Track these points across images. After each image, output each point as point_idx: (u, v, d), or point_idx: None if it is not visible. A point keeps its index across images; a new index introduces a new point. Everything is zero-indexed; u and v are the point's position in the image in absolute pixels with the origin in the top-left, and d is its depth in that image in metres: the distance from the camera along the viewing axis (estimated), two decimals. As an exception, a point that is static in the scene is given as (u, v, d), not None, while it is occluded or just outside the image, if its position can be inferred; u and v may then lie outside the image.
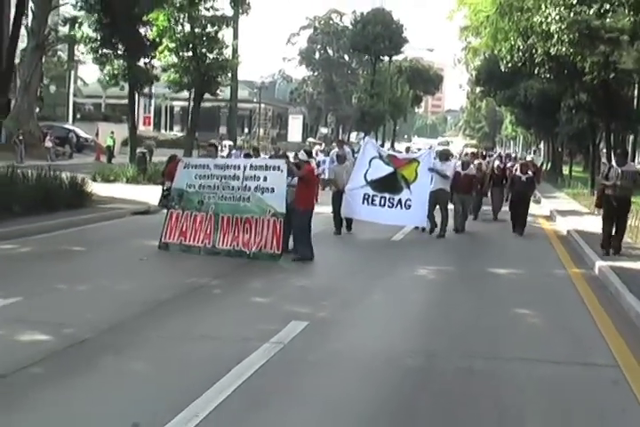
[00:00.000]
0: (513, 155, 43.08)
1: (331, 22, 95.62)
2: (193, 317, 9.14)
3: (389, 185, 17.43)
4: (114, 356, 7.46)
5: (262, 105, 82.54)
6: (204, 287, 11.04)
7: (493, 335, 8.81)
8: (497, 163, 23.39)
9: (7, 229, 15.35)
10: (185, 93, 61.70)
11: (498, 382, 7.06)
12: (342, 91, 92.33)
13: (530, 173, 19.51)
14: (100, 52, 29.84)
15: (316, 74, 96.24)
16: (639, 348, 8.29)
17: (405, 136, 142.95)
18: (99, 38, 29.18)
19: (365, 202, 17.40)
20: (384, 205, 17.39)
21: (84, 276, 11.49)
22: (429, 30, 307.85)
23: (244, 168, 14.02)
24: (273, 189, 13.59)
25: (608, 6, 14.95)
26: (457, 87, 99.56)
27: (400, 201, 17.31)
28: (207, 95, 31.62)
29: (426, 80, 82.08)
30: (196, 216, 14.14)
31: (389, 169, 17.45)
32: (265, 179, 13.70)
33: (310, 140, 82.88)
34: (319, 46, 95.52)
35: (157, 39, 27.50)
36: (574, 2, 16.52)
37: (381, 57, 71.82)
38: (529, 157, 31.37)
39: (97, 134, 52.80)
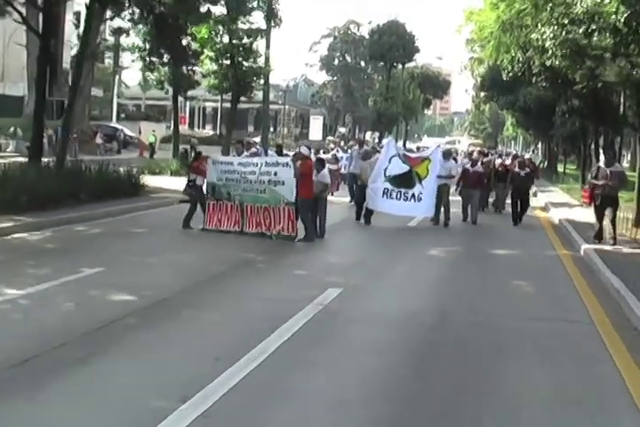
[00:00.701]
0: (513, 152, 43.63)
1: (349, 32, 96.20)
2: (246, 283, 10.22)
3: (405, 181, 18.34)
4: (188, 311, 8.53)
5: (286, 106, 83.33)
6: (251, 262, 12.14)
7: (495, 300, 9.87)
8: (499, 160, 24.20)
9: (78, 214, 16.47)
10: (216, 95, 62.73)
11: (499, 332, 8.10)
12: (359, 94, 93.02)
13: (527, 169, 19.97)
14: (147, 60, 30.75)
15: (335, 79, 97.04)
16: (612, 311, 9.30)
17: (416, 135, 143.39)
18: (147, 48, 30.09)
19: (385, 196, 18.29)
20: (400, 198, 18.33)
21: (150, 251, 12.61)
22: (438, 39, 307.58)
23: (261, 165, 15.11)
24: (283, 182, 14.62)
25: (594, 27, 15.78)
26: (463, 91, 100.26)
27: (413, 195, 18.32)
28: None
29: (435, 85, 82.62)
30: (227, 205, 15.44)
31: (406, 167, 18.36)
32: (275, 173, 14.75)
33: (330, 138, 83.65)
34: (338, 54, 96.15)
35: (200, 49, 28.60)
36: (566, 22, 17.37)
37: (395, 64, 72.51)
38: (527, 155, 31.98)
39: (140, 132, 53.93)
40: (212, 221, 15.56)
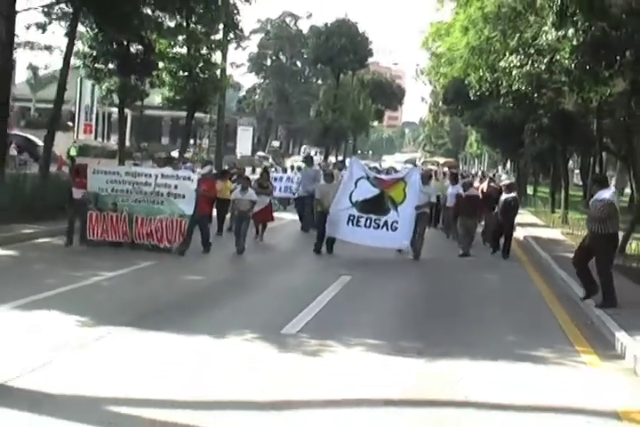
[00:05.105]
0: (479, 173, 49.84)
1: (284, 26, 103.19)
2: (282, 273, 17.11)
3: (376, 206, 19.88)
4: (254, 284, 15.15)
5: (211, 115, 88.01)
6: (281, 261, 19.49)
7: (469, 283, 16.97)
8: (476, 184, 27.68)
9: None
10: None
11: (471, 295, 14.94)
12: (295, 101, 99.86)
13: (513, 194, 21.85)
14: (91, 66, 36.25)
15: (266, 82, 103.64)
16: (554, 286, 16.23)
17: (359, 151, 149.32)
18: (94, 54, 35.57)
19: (350, 223, 19.81)
20: (369, 226, 19.82)
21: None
22: (388, 33, 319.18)
23: (156, 177, 18.67)
24: (183, 196, 18.36)
25: (558, 57, 22.58)
26: (416, 97, 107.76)
27: (386, 223, 19.78)
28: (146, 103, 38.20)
29: (388, 94, 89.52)
30: (112, 216, 18.77)
31: (375, 191, 19.92)
32: (176, 187, 18.41)
33: (260, 153, 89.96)
34: (271, 52, 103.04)
35: (156, 61, 34.50)
36: (532, 51, 24.38)
37: (345, 71, 78.33)
38: (504, 177, 37.26)
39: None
40: (97, 233, 18.87)
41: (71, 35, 27.01)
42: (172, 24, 33.03)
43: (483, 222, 24.53)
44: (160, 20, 31.71)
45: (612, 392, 8.99)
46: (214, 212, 23.36)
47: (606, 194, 13.75)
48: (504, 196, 21.56)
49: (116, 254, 17.86)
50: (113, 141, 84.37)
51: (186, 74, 35.81)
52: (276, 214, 25.09)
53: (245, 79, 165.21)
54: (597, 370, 10.03)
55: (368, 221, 19.74)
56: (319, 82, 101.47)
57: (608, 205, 13.56)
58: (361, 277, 16.77)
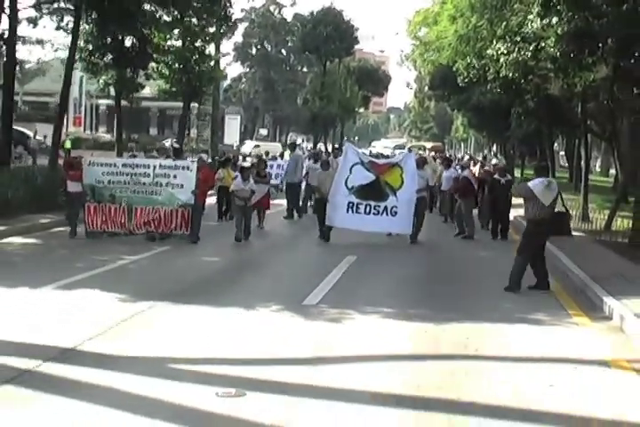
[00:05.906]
0: (467, 157, 50.84)
1: (268, 14, 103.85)
2: (290, 254, 18.52)
3: (373, 193, 20.08)
4: (273, 262, 16.47)
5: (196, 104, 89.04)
6: (287, 244, 20.75)
7: (467, 260, 18.26)
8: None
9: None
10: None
11: (470, 269, 16.22)
12: (281, 89, 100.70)
13: (509, 177, 22.90)
14: (87, 60, 37.26)
15: (252, 71, 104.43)
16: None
17: (345, 138, 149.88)
18: (90, 48, 36.59)
19: (350, 210, 20.04)
20: (369, 212, 20.04)
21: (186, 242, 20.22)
22: (370, 17, 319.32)
23: (155, 167, 18.84)
24: (182, 186, 18.57)
25: (543, 44, 23.84)
26: (400, 83, 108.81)
27: (386, 208, 19.98)
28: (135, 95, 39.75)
29: (375, 81, 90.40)
30: (110, 208, 18.92)
31: (371, 176, 20.10)
32: (175, 177, 18.62)
33: (248, 142, 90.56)
34: (256, 41, 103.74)
35: (152, 53, 35.56)
36: (518, 39, 25.64)
37: (332, 58, 79.14)
38: (494, 161, 38.35)
39: (43, 137, 59.67)
40: (96, 224, 19.04)
41: (75, 31, 28.01)
42: (169, 18, 34.09)
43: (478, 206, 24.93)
44: (157, 15, 32.80)
45: (602, 346, 10.30)
46: (216, 199, 24.87)
47: (531, 182, 14.41)
48: (501, 180, 22.25)
49: (130, 242, 18.74)
50: (102, 133, 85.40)
51: (181, 66, 36.92)
52: (273, 202, 26.00)
53: (230, 68, 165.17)
54: (588, 329, 11.34)
55: (368, 208, 19.93)
56: (304, 70, 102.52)
57: (523, 189, 14.62)
58: (365, 256, 17.96)
